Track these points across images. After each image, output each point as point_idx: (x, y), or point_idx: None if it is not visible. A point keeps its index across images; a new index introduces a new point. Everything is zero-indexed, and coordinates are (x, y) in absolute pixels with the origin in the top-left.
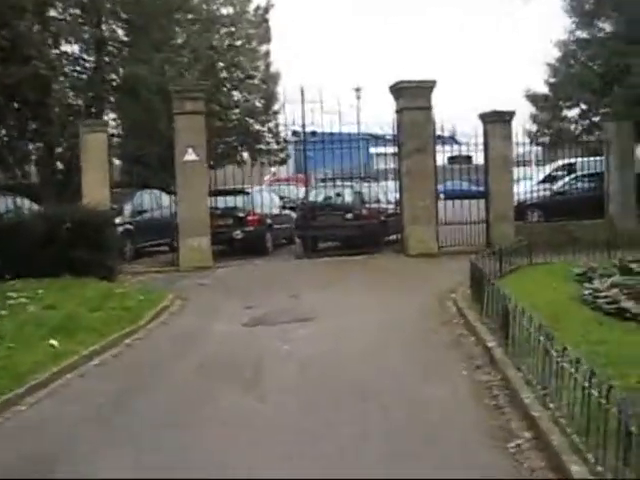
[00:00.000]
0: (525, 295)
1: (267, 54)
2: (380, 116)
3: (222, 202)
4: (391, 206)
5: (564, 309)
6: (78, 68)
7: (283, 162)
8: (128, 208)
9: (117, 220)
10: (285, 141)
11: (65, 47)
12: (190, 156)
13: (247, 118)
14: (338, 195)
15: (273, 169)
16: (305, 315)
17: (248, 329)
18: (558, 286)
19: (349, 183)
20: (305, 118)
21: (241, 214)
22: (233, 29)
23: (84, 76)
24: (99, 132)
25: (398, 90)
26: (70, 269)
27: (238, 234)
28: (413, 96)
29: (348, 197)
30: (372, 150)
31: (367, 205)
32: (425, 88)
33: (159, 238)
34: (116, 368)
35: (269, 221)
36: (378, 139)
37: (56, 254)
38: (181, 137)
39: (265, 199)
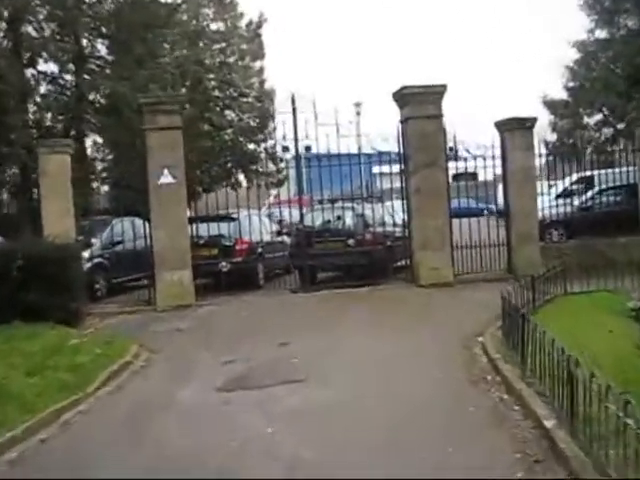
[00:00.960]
0: (574, 339)
1: (261, 70)
2: (383, 129)
3: (205, 230)
4: (398, 229)
5: (635, 364)
6: (53, 88)
7: (280, 184)
8: (104, 238)
9: (87, 253)
10: (281, 160)
11: (42, 65)
12: (166, 178)
13: (241, 138)
14: (338, 218)
15: (274, 191)
16: (296, 374)
17: (222, 397)
18: (612, 326)
19: (350, 204)
20: (298, 131)
21: (227, 243)
22: (224, 45)
23: (63, 96)
24: (61, 153)
25: (403, 97)
26: (23, 314)
27: (224, 266)
28: (420, 103)
29: (349, 220)
30: (375, 170)
31: (371, 229)
32: (434, 94)
33: (138, 272)
34: (36, 464)
35: (261, 250)
36: (382, 155)
37: (5, 297)
38: (154, 156)
39: (255, 225)
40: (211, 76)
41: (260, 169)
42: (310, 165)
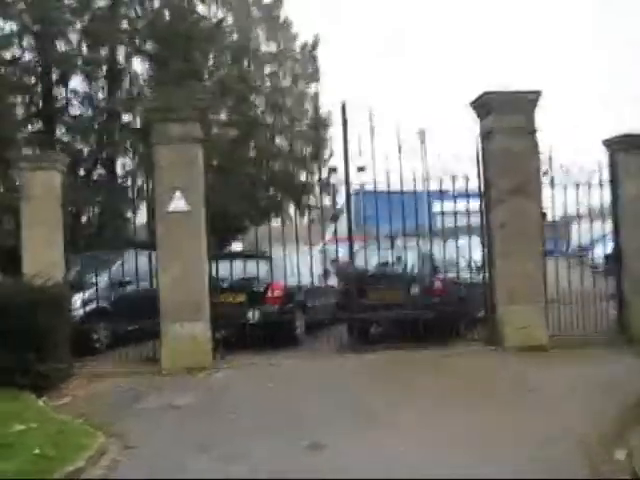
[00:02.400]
0: None
1: (316, 96)
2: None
3: (231, 271)
4: (473, 275)
5: None
6: (84, 107)
7: (335, 218)
8: (111, 276)
9: (79, 296)
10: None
11: (74, 83)
12: (178, 203)
13: (292, 167)
14: (399, 259)
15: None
16: None
17: None
18: None
19: (414, 242)
20: (349, 148)
21: (259, 288)
22: (276, 68)
23: (95, 117)
24: (47, 169)
25: (485, 104)
26: None
27: (253, 316)
28: (508, 112)
29: (413, 262)
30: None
31: (440, 274)
32: (526, 101)
33: (150, 318)
34: None
35: (301, 297)
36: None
37: None
38: (163, 176)
39: (294, 265)
40: (260, 100)
41: (312, 201)
42: (363, 193)
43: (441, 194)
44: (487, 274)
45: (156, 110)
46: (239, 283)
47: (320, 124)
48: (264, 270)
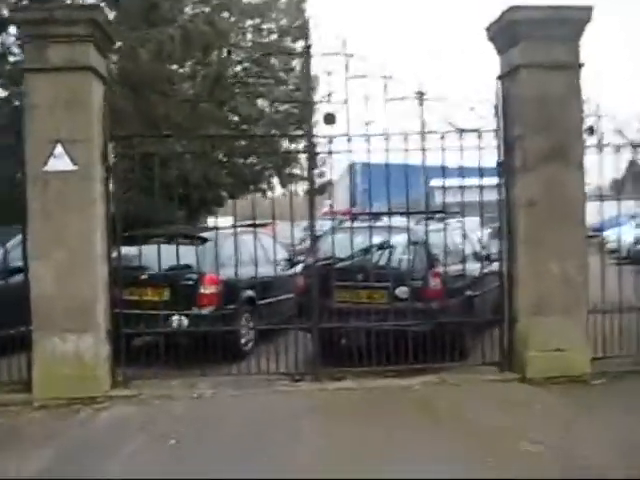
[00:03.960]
0: None
1: (303, 54)
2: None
3: (149, 258)
4: (479, 266)
5: None
6: None
7: (321, 191)
8: None
9: None
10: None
11: None
12: (59, 161)
13: (274, 131)
14: (383, 248)
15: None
16: None
17: None
18: None
19: (401, 221)
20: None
21: (187, 281)
22: (259, 21)
23: None
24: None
25: (510, 28)
26: None
27: (179, 321)
28: (544, 40)
29: (401, 252)
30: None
31: (439, 268)
32: (571, 22)
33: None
34: None
35: (249, 293)
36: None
37: None
38: (39, 120)
39: (246, 249)
40: (240, 57)
41: (298, 172)
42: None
43: (443, 153)
44: (505, 271)
45: (29, 23)
46: (161, 275)
47: (306, 86)
48: (200, 257)
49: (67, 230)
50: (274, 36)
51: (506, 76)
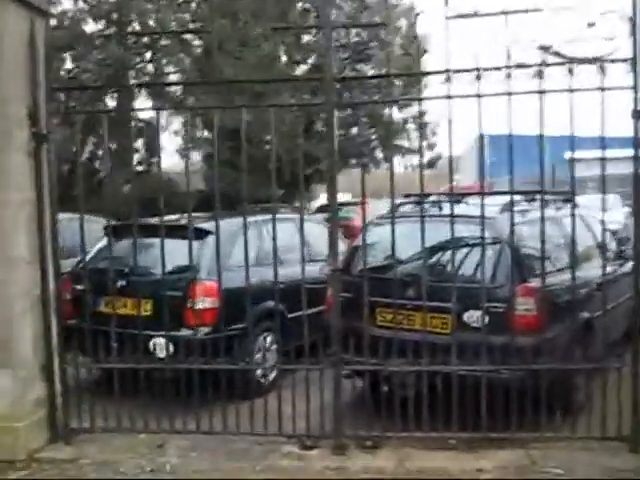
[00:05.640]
0: None
1: (410, 10)
2: None
3: (142, 257)
4: (611, 268)
5: None
6: None
7: (431, 165)
8: None
9: None
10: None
11: None
12: None
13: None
14: (441, 250)
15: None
16: None
17: None
18: None
19: (476, 212)
20: None
21: (174, 291)
22: None
23: None
24: None
25: None
26: None
27: (161, 346)
28: None
29: (473, 258)
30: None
31: (534, 282)
32: None
33: None
34: None
35: (268, 304)
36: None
37: None
38: None
39: (282, 243)
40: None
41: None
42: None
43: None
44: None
45: None
46: (144, 282)
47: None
48: (196, 257)
49: None
50: None
51: None
